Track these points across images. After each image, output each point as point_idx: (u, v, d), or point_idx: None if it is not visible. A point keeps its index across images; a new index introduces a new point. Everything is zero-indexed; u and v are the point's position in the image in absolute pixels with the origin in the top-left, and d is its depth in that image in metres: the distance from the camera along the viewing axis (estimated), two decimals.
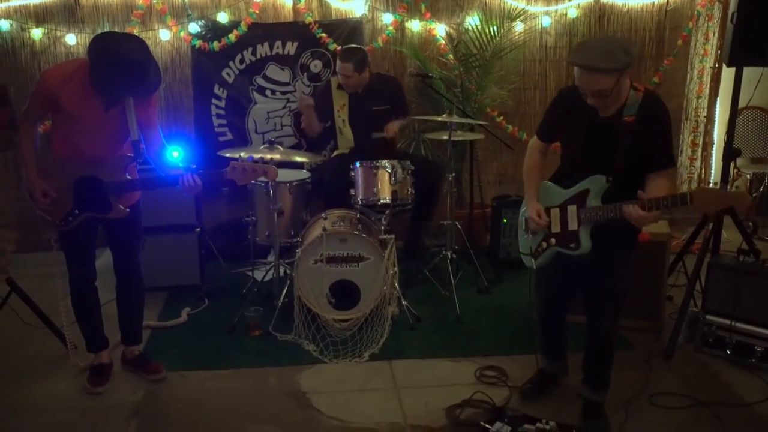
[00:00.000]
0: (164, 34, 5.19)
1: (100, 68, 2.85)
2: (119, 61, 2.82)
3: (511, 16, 5.27)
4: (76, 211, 3.12)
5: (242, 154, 3.80)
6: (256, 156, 3.71)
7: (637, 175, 2.70)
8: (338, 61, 4.63)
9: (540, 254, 2.97)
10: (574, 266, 2.90)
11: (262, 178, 3.20)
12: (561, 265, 2.94)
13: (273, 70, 5.34)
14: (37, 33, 5.10)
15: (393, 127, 4.71)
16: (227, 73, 5.31)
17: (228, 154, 3.95)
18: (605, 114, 2.72)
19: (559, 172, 2.96)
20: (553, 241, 2.90)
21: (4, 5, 5.05)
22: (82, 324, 3.44)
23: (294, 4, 5.26)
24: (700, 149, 5.94)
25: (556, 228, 2.88)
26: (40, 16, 5.10)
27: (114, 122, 3.04)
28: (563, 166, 2.95)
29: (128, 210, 3.18)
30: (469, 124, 4.66)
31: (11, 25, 5.08)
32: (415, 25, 5.39)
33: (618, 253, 2.83)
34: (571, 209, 2.82)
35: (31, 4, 5.07)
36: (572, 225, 2.81)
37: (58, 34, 5.13)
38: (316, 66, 5.35)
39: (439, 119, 4.34)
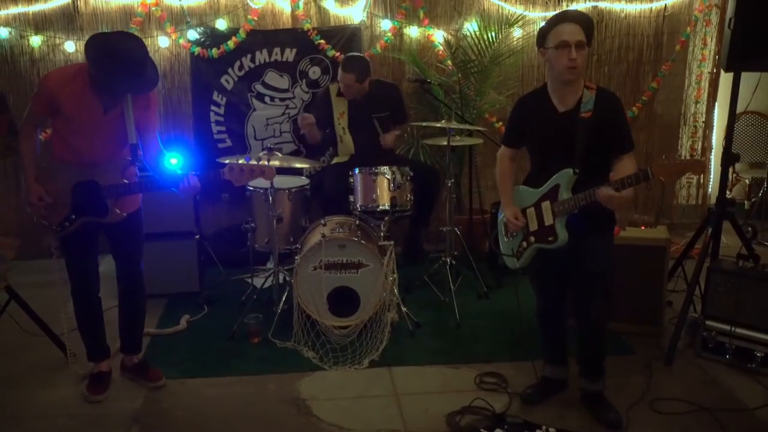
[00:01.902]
0: (163, 41, 5.20)
1: (98, 65, 2.89)
2: (116, 55, 2.86)
3: (509, 22, 5.28)
4: (73, 216, 3.12)
5: (241, 161, 3.79)
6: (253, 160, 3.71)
7: (600, 163, 2.90)
8: (340, 70, 4.61)
9: (521, 254, 3.12)
10: (557, 259, 3.02)
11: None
12: (547, 261, 3.07)
13: (272, 77, 5.35)
14: (36, 40, 5.11)
15: (389, 137, 4.72)
16: (226, 80, 5.32)
17: (227, 161, 3.95)
18: (564, 108, 2.92)
19: (529, 175, 3.13)
20: (532, 239, 3.06)
21: (3, 13, 5.06)
22: (83, 333, 3.42)
23: (292, 11, 5.28)
24: (698, 154, 5.94)
25: (533, 226, 3.05)
26: (39, 24, 5.12)
27: (113, 124, 3.05)
28: (532, 169, 3.13)
29: (125, 214, 3.18)
30: (468, 129, 4.66)
31: (10, 33, 5.09)
32: (413, 32, 5.40)
33: (595, 239, 2.97)
34: (545, 205, 2.98)
35: (30, 12, 5.10)
36: (548, 220, 2.98)
37: (57, 41, 5.15)
38: (314, 72, 5.36)
39: (438, 125, 4.35)
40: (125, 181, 3.13)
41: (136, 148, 3.11)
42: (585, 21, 2.89)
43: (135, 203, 3.29)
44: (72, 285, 3.31)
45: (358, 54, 4.85)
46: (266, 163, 3.27)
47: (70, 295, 3.34)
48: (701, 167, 2.89)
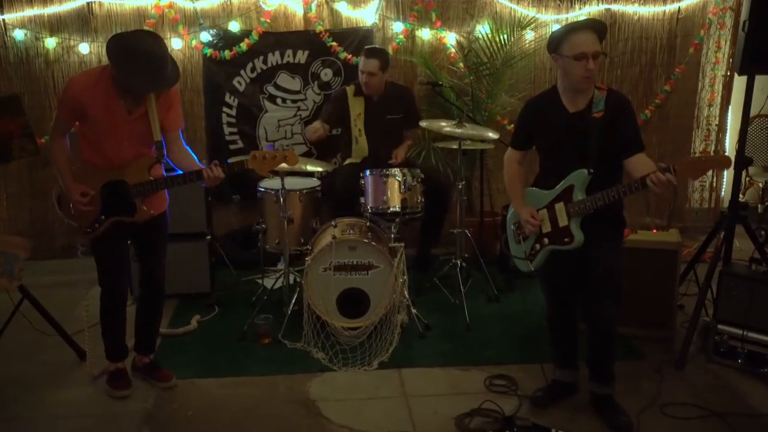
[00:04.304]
0: (176, 43, 5.23)
1: (118, 62, 2.93)
2: (136, 51, 2.91)
3: (521, 25, 5.27)
4: (103, 216, 3.15)
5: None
6: None
7: (612, 164, 2.90)
8: (362, 59, 4.59)
9: (534, 256, 3.11)
10: (569, 261, 3.02)
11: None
12: (558, 264, 3.06)
13: (284, 79, 5.37)
14: (51, 42, 5.16)
15: (401, 153, 4.72)
16: (238, 82, 5.34)
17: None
18: (575, 109, 2.93)
19: (539, 177, 3.13)
20: (546, 240, 3.04)
21: (18, 15, 5.11)
22: (106, 333, 3.43)
23: (305, 13, 5.29)
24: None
25: (546, 228, 3.03)
26: (54, 26, 5.17)
27: (138, 125, 3.08)
28: (542, 170, 3.12)
29: (153, 212, 3.20)
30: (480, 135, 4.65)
31: (26, 35, 5.14)
32: (425, 34, 5.41)
33: (605, 241, 2.96)
34: (559, 207, 2.97)
35: (46, 14, 5.14)
36: (562, 221, 2.96)
37: (72, 43, 5.19)
38: (326, 74, 5.38)
39: (449, 128, 4.34)
40: (152, 178, 3.15)
41: (161, 145, 3.14)
42: (600, 28, 2.90)
43: (163, 203, 3.32)
44: (101, 287, 3.32)
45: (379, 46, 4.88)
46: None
47: (99, 299, 3.35)
48: (727, 162, 2.81)
